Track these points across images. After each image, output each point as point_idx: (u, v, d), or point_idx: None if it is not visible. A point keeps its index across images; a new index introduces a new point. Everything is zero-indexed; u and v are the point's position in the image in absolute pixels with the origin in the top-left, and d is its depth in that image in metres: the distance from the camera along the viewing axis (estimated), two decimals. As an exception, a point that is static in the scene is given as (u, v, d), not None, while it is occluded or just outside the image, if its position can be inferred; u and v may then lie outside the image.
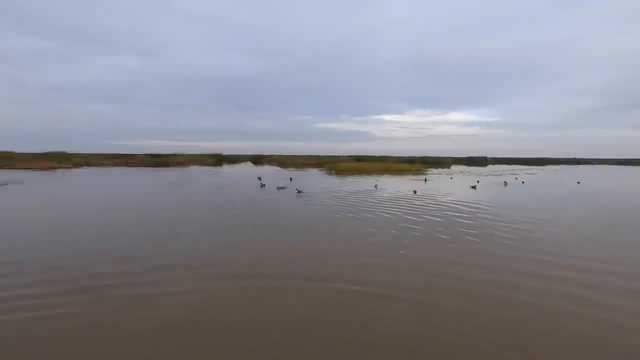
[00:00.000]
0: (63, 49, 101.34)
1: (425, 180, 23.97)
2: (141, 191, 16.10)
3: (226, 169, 39.30)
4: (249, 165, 48.49)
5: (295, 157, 59.34)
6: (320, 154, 67.29)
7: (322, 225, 8.84)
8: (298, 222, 9.27)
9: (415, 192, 16.66)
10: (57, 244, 6.81)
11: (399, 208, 11.69)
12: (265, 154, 70.63)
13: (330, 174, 30.76)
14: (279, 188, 17.18)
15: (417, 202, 13.11)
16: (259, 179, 21.88)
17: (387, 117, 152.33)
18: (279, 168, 40.56)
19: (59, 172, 27.94)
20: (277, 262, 5.91)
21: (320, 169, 38.37)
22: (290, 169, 38.66)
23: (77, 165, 35.98)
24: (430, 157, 66.68)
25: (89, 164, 37.94)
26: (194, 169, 36.83)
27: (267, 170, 36.66)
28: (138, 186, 18.38)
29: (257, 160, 62.58)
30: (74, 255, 6.06)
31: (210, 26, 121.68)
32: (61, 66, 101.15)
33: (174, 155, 51.57)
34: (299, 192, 15.51)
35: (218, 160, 53.89)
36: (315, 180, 23.84)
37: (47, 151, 40.57)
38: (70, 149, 42.56)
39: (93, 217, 9.51)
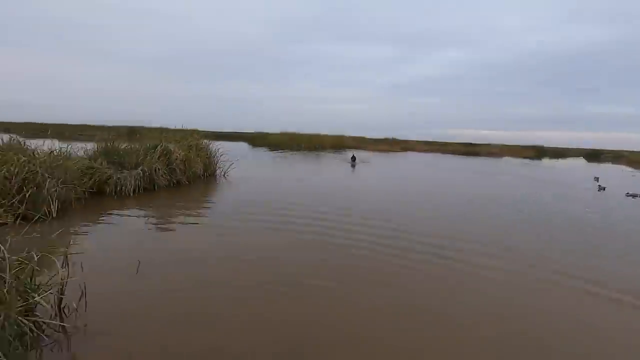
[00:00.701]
0: (405, 53, 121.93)
1: None
2: (465, 179, 17.08)
3: (547, 163, 33.90)
4: (580, 161, 39.36)
5: (662, 155, 41.58)
6: None
7: None
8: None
9: None
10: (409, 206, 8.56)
11: None
12: (606, 148, 54.12)
13: None
14: (628, 195, 12.89)
15: None
16: (596, 179, 17.29)
17: None
18: (629, 168, 30.20)
19: (391, 154, 34.52)
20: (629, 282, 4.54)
21: None
22: (651, 170, 27.73)
23: (403, 149, 42.80)
24: None
25: (411, 149, 44.17)
26: (508, 160, 34.41)
27: (608, 169, 28.24)
28: (460, 171, 19.72)
29: (594, 155, 49.33)
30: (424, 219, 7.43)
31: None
32: (401, 67, 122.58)
33: (487, 144, 50.27)
34: (668, 204, 10.95)
35: (538, 152, 47.24)
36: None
37: (384, 137, 50.99)
38: (398, 136, 51.12)
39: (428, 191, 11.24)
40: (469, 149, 45.29)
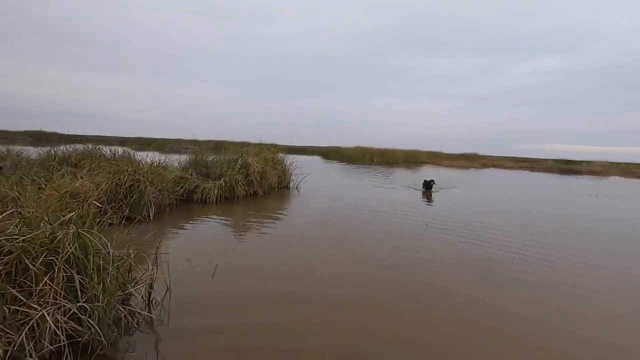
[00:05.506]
0: (489, 63, 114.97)
1: None
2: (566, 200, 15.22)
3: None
4: None
5: None
6: None
7: None
8: None
9: None
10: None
11: None
12: None
13: None
14: None
15: None
16: None
17: None
18: None
19: (472, 170, 32.26)
20: None
21: None
22: None
23: (485, 165, 39.77)
24: None
25: (495, 166, 40.83)
26: (616, 180, 29.59)
27: None
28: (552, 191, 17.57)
29: None
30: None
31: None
32: (485, 78, 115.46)
33: (587, 162, 44.05)
34: None
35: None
36: None
37: (462, 152, 48.12)
38: (479, 151, 47.99)
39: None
40: (566, 167, 40.15)
